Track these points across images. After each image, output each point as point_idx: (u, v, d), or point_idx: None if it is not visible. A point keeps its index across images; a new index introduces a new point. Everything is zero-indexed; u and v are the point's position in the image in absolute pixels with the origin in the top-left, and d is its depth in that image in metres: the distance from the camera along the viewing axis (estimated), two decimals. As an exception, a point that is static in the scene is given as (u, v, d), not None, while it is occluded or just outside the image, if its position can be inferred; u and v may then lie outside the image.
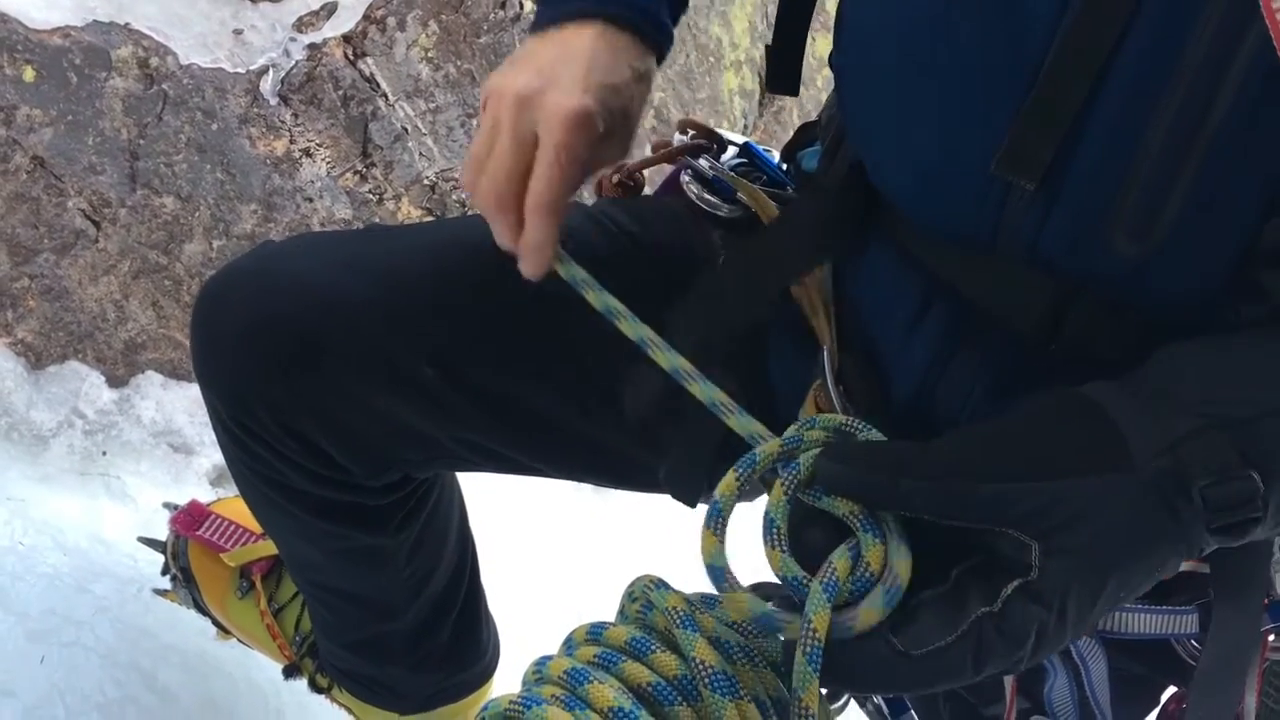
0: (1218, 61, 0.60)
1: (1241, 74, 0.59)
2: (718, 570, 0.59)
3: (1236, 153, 0.62)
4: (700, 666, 0.57)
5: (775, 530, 0.58)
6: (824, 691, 0.57)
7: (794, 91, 0.99)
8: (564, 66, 0.79)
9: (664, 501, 1.10)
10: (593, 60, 0.79)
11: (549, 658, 0.60)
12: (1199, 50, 0.60)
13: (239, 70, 1.85)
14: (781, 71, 0.98)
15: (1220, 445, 0.54)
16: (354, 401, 0.94)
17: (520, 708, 0.54)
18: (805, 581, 0.56)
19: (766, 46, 0.99)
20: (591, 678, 0.56)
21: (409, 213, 2.03)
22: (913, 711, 0.73)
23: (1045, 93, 0.64)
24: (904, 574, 0.56)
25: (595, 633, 0.61)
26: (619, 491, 1.70)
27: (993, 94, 0.67)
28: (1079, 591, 0.54)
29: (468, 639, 1.32)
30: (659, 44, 0.86)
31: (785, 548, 0.58)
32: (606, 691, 0.55)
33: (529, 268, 0.79)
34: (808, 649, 0.54)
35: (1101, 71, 0.62)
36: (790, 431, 0.63)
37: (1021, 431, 0.58)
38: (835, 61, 0.85)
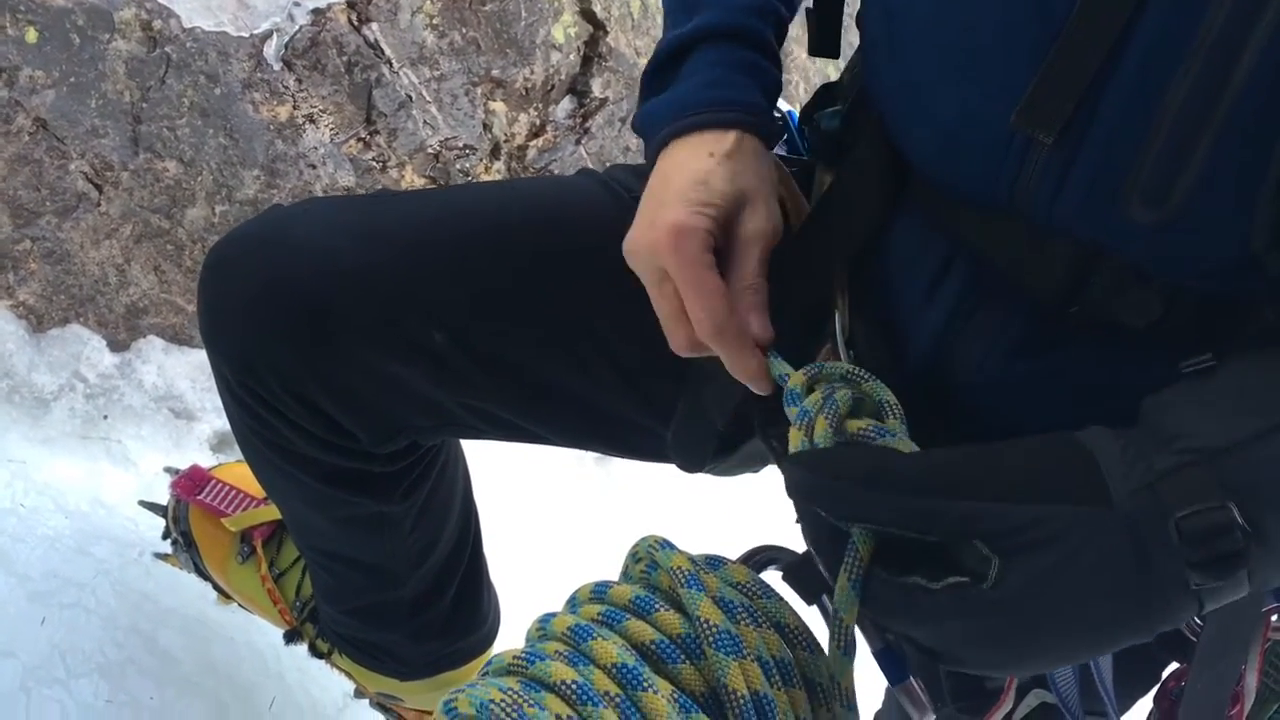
0: (1239, 25, 0.59)
1: (1263, 41, 0.58)
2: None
3: (1256, 122, 0.60)
4: (705, 625, 0.57)
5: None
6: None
7: (835, 54, 0.97)
8: (654, 198, 0.78)
9: (665, 473, 1.09)
10: (674, 178, 0.78)
11: (553, 615, 0.60)
12: (1220, 12, 0.59)
13: (243, 34, 1.83)
14: (822, 34, 0.96)
15: (1199, 479, 0.54)
16: (363, 367, 0.94)
17: (524, 662, 0.54)
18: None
19: (807, 9, 0.97)
20: (595, 634, 0.55)
21: (412, 181, 2.02)
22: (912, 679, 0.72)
23: (1069, 45, 0.63)
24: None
25: (599, 591, 0.61)
26: (621, 462, 1.69)
27: (1016, 49, 0.66)
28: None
29: (469, 607, 1.32)
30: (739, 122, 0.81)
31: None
32: (610, 648, 0.54)
33: (757, 389, 0.76)
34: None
35: (1126, 28, 0.61)
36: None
37: (1005, 455, 0.58)
38: (862, 20, 0.83)
